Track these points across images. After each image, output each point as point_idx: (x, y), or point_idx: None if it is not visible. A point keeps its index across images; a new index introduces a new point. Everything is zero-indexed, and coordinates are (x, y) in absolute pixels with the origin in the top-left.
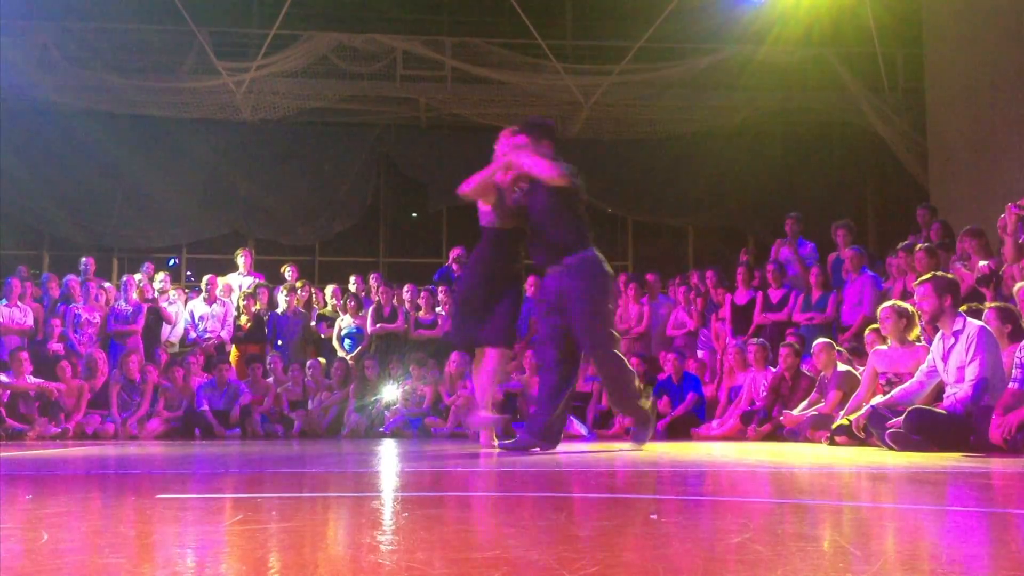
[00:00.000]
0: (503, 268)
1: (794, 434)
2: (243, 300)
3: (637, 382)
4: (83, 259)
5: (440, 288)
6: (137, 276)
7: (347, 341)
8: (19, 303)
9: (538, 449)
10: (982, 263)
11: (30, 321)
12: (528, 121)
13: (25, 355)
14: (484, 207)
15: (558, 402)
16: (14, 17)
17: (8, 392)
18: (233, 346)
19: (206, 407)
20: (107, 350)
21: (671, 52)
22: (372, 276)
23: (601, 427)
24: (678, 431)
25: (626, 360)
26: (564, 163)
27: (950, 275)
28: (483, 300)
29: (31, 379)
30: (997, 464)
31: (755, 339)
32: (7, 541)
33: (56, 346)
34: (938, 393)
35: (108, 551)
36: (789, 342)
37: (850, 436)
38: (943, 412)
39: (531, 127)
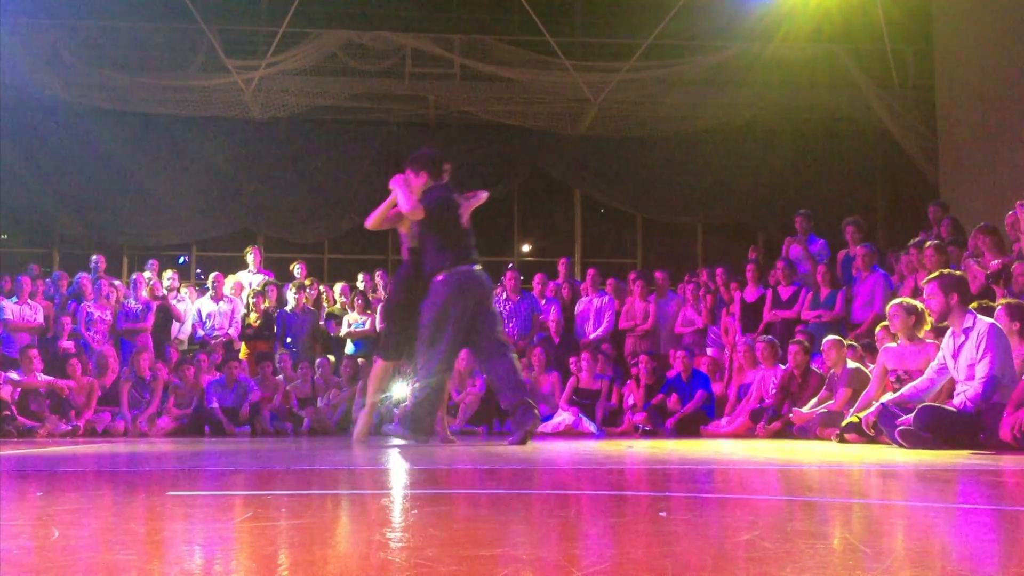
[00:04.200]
0: (423, 288)
1: (804, 432)
2: (252, 298)
3: (438, 408)
4: (94, 257)
5: None
6: (147, 274)
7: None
8: (30, 301)
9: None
10: (995, 261)
11: (41, 319)
12: (410, 156)
13: (36, 353)
14: (403, 231)
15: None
16: (23, 16)
17: (19, 390)
18: (243, 344)
19: (216, 404)
20: (118, 347)
21: (680, 49)
22: (378, 273)
23: (610, 425)
24: (687, 428)
25: (444, 381)
26: (434, 194)
27: (957, 272)
28: (408, 316)
29: (42, 377)
30: (1008, 462)
31: (764, 336)
32: (19, 538)
33: (67, 344)
34: (948, 391)
35: (118, 548)
36: (798, 339)
37: (860, 434)
38: (953, 410)
39: (411, 161)
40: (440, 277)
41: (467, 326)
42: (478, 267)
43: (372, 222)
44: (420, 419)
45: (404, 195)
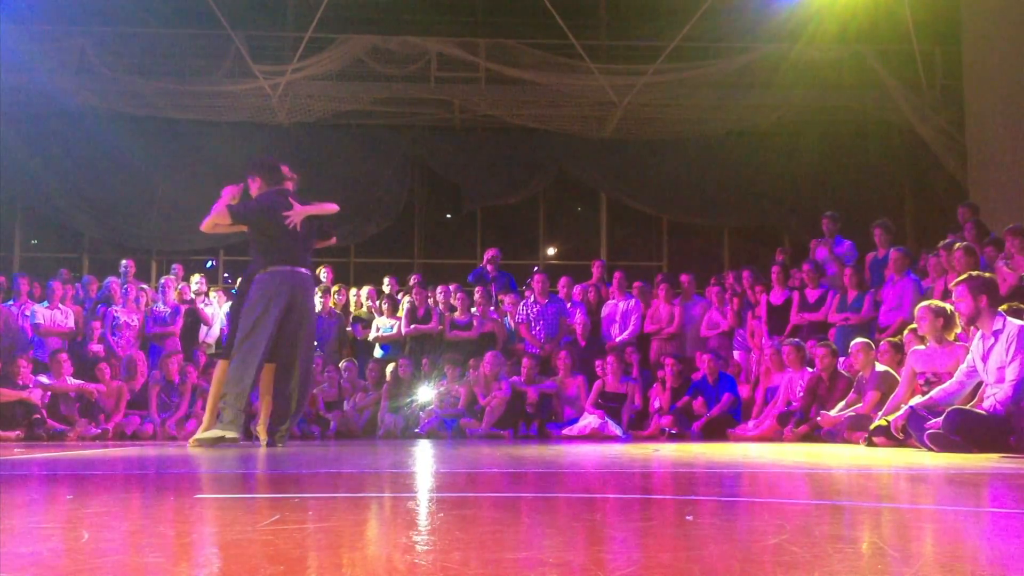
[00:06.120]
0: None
1: (831, 435)
2: None
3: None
4: (123, 261)
5: (476, 289)
6: (172, 278)
7: (381, 343)
8: (60, 305)
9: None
10: None
11: (71, 323)
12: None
13: (65, 357)
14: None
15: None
16: (51, 23)
17: (49, 393)
18: None
19: None
20: (147, 352)
21: (705, 51)
22: (413, 277)
23: (636, 428)
24: (714, 431)
25: (243, 367)
26: (260, 199)
27: (987, 275)
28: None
29: (71, 380)
30: None
31: (790, 339)
32: (49, 540)
33: (96, 348)
34: (978, 393)
35: (147, 550)
36: (826, 342)
37: (888, 437)
38: (983, 413)
39: (247, 166)
40: (257, 277)
41: (281, 323)
42: (302, 269)
43: (204, 225)
44: (230, 420)
45: (218, 201)
